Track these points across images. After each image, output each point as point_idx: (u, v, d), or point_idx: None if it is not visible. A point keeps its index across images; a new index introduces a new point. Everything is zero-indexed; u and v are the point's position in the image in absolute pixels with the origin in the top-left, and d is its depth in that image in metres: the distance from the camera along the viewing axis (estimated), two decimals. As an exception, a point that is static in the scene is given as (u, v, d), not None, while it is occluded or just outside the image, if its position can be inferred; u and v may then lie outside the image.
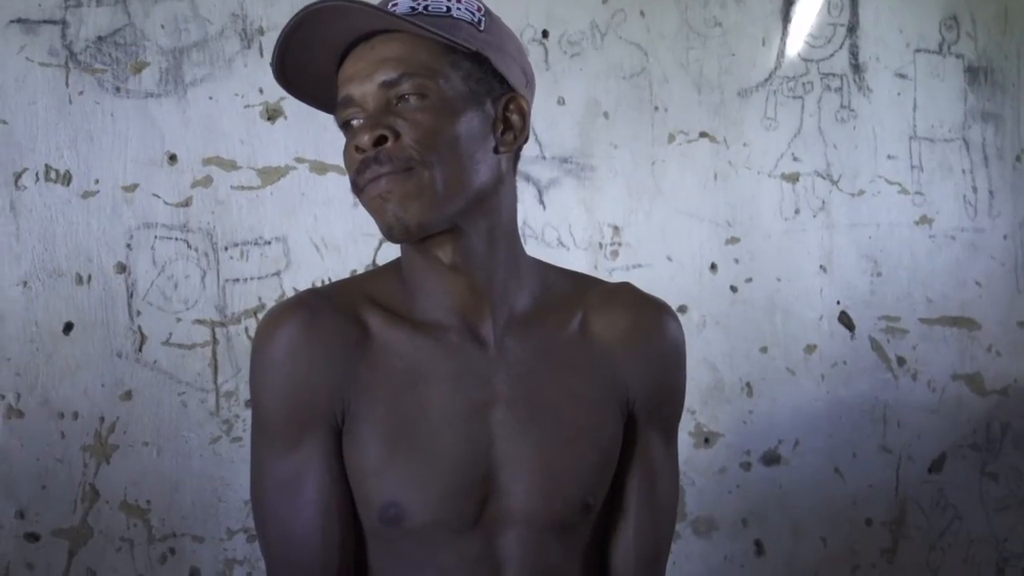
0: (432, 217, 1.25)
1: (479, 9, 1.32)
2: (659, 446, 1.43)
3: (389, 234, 1.25)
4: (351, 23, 1.24)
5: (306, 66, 1.29)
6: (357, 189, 1.26)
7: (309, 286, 2.59)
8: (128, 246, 2.54)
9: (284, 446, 1.30)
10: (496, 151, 1.31)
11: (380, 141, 1.23)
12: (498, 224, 1.34)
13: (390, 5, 1.27)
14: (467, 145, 1.27)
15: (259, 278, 2.64)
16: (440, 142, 1.25)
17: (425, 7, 1.27)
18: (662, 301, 1.45)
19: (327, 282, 2.58)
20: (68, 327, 2.49)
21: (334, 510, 1.30)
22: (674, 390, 1.46)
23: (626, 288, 1.44)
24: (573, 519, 1.34)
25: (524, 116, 1.34)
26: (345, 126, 1.29)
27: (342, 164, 2.77)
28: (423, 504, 1.28)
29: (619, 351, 1.39)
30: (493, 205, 1.33)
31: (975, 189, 3.43)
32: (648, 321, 1.41)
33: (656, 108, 3.04)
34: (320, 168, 2.68)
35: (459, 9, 1.29)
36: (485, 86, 1.30)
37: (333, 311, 1.32)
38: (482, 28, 1.30)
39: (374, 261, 2.71)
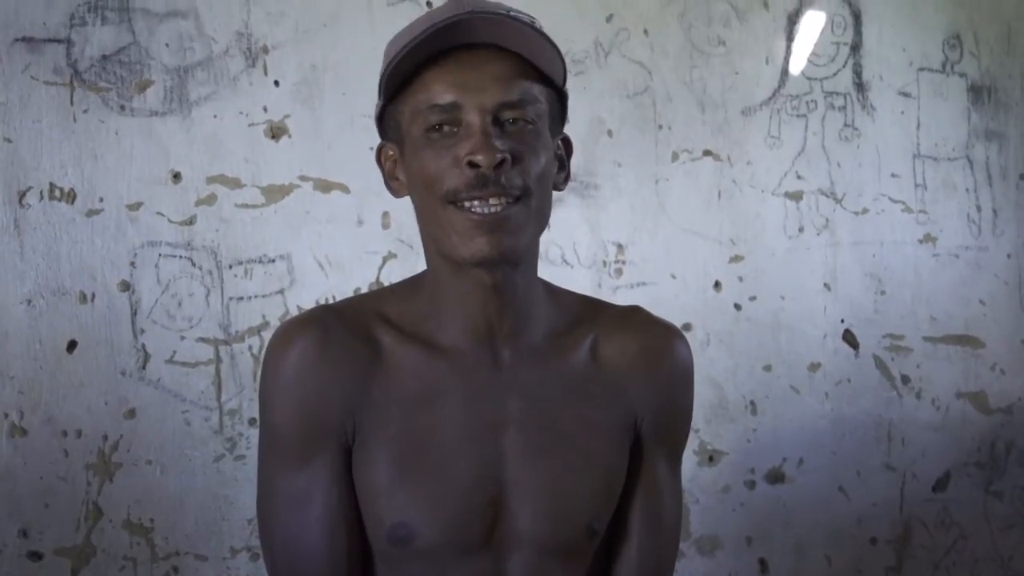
0: (524, 250, 1.27)
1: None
2: (664, 469, 1.43)
3: (483, 258, 1.23)
4: (490, 32, 1.24)
5: (408, 61, 1.25)
6: (454, 200, 1.23)
7: (313, 304, 2.59)
8: (132, 264, 2.54)
9: (293, 463, 1.30)
10: (555, 187, 1.34)
11: (498, 164, 1.21)
12: (534, 256, 1.36)
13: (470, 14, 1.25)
14: (549, 180, 1.30)
15: (263, 296, 2.64)
16: (540, 175, 1.26)
17: None
18: (672, 324, 1.45)
19: (331, 300, 2.57)
20: (72, 345, 2.49)
21: (342, 528, 1.30)
22: (682, 413, 1.46)
23: (636, 311, 1.45)
24: (579, 543, 1.34)
25: (571, 155, 1.38)
26: (434, 129, 1.25)
27: (346, 182, 2.77)
28: (433, 525, 1.28)
29: (629, 374, 1.39)
30: (539, 238, 1.35)
31: (979, 208, 3.42)
32: (658, 344, 1.42)
33: (660, 126, 3.04)
34: (324, 186, 2.68)
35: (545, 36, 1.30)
36: (556, 123, 1.32)
37: (345, 328, 1.32)
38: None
39: (378, 279, 2.71)
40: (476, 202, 1.22)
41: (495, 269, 1.27)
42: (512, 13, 1.25)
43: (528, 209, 1.24)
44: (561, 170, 1.36)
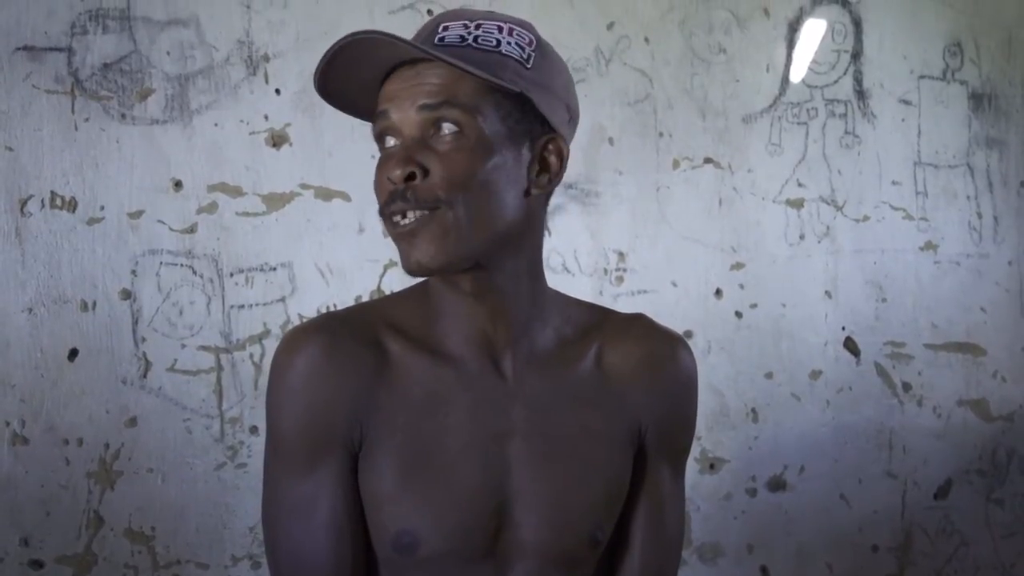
0: (453, 258, 1.24)
1: (530, 43, 1.29)
2: (667, 478, 1.43)
3: (409, 271, 1.25)
4: (395, 51, 1.23)
5: (349, 79, 1.27)
6: (383, 215, 1.26)
7: (314, 312, 2.59)
8: (133, 272, 2.54)
9: (299, 470, 1.30)
10: (527, 193, 1.30)
11: (410, 177, 1.22)
12: (522, 262, 1.33)
13: (440, 28, 1.25)
14: (496, 187, 1.26)
15: (264, 304, 2.64)
16: (469, 183, 1.23)
17: (475, 38, 1.25)
18: (676, 333, 1.44)
19: (332, 308, 2.57)
20: (73, 353, 2.49)
21: (347, 535, 1.29)
22: (685, 421, 1.45)
23: (639, 319, 1.44)
24: (582, 553, 1.34)
25: (562, 158, 1.33)
26: (379, 139, 1.28)
27: (347, 190, 2.77)
28: (438, 533, 1.28)
29: (632, 382, 1.38)
30: (518, 245, 1.32)
31: (980, 215, 3.43)
32: (661, 352, 1.41)
33: (660, 134, 3.04)
34: (325, 194, 2.68)
35: (509, 44, 1.27)
36: (525, 127, 1.28)
37: (352, 336, 1.31)
38: (530, 65, 1.28)
39: (379, 287, 2.71)
40: (396, 216, 1.24)
41: (470, 275, 1.29)
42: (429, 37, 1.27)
43: (446, 218, 1.23)
44: (543, 172, 1.31)
